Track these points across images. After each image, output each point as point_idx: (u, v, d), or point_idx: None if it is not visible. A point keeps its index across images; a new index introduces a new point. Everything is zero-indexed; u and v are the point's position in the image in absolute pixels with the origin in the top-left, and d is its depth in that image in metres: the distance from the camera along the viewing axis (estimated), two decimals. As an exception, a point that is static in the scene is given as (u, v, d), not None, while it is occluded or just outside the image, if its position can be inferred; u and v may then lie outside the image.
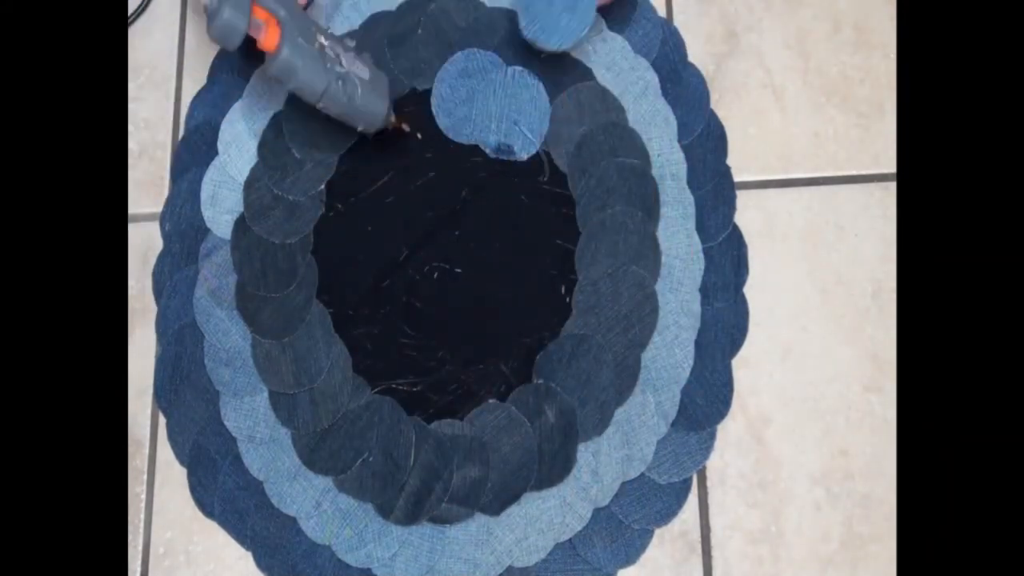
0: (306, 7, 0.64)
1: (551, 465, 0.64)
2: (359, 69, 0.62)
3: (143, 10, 0.77)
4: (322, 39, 0.61)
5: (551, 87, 0.71)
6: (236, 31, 0.57)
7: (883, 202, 0.70)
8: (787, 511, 0.64)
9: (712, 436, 0.65)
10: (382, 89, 0.64)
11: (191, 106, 0.75)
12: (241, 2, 0.58)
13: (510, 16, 0.73)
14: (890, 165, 0.71)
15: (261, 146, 0.72)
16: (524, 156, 0.70)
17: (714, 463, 0.65)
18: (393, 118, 0.66)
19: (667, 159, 0.70)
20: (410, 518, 0.64)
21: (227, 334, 0.68)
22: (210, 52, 0.76)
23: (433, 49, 0.73)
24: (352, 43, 0.65)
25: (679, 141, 0.71)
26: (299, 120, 0.72)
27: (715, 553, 0.64)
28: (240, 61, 0.74)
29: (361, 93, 0.62)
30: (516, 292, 0.68)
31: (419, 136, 0.69)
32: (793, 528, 0.64)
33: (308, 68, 0.60)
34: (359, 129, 0.65)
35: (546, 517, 0.64)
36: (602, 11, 0.71)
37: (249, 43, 0.60)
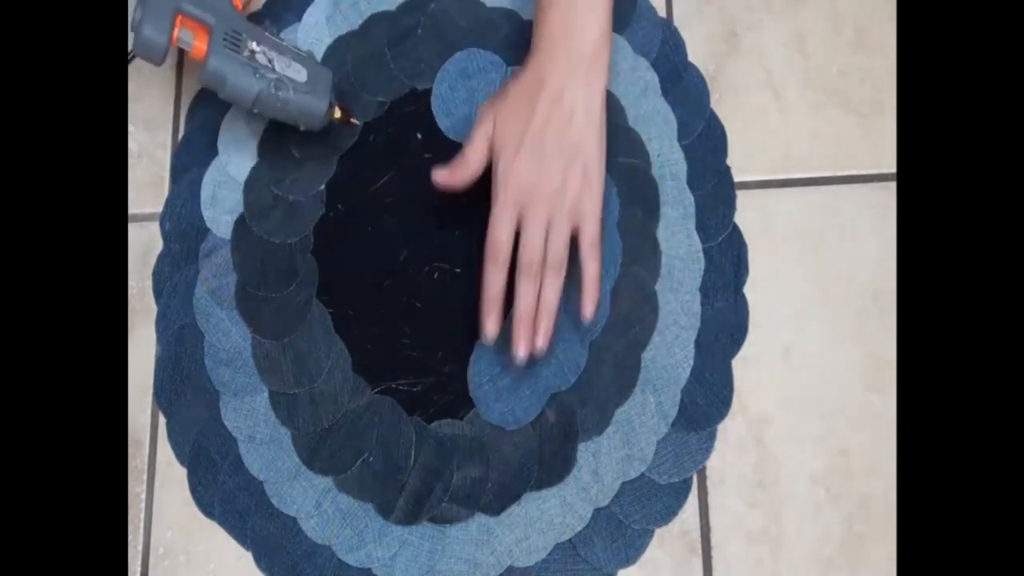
0: (243, 8, 0.64)
1: (551, 465, 0.64)
2: (294, 71, 0.63)
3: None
4: (253, 45, 0.62)
5: (551, 87, 0.71)
6: (158, 47, 0.58)
7: (883, 202, 0.70)
8: (787, 511, 0.64)
9: (712, 436, 0.65)
10: (323, 88, 0.64)
11: (191, 106, 0.75)
12: (162, 17, 0.58)
13: (510, 16, 0.73)
14: (890, 165, 0.71)
15: (261, 146, 0.72)
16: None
17: (714, 463, 0.65)
18: (338, 114, 0.66)
19: (667, 159, 0.70)
20: (410, 518, 0.64)
21: (227, 334, 0.68)
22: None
23: (433, 49, 0.73)
24: (289, 42, 0.64)
25: (679, 141, 0.71)
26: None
27: (715, 553, 0.64)
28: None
29: (295, 96, 0.62)
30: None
31: (357, 122, 0.69)
32: (793, 528, 0.64)
33: (237, 75, 0.60)
34: (301, 129, 0.65)
35: (546, 517, 0.64)
36: None
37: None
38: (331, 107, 0.65)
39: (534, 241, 0.59)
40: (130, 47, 0.59)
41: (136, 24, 0.58)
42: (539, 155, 0.59)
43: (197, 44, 0.60)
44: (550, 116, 0.59)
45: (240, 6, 0.63)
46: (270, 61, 0.62)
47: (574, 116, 0.59)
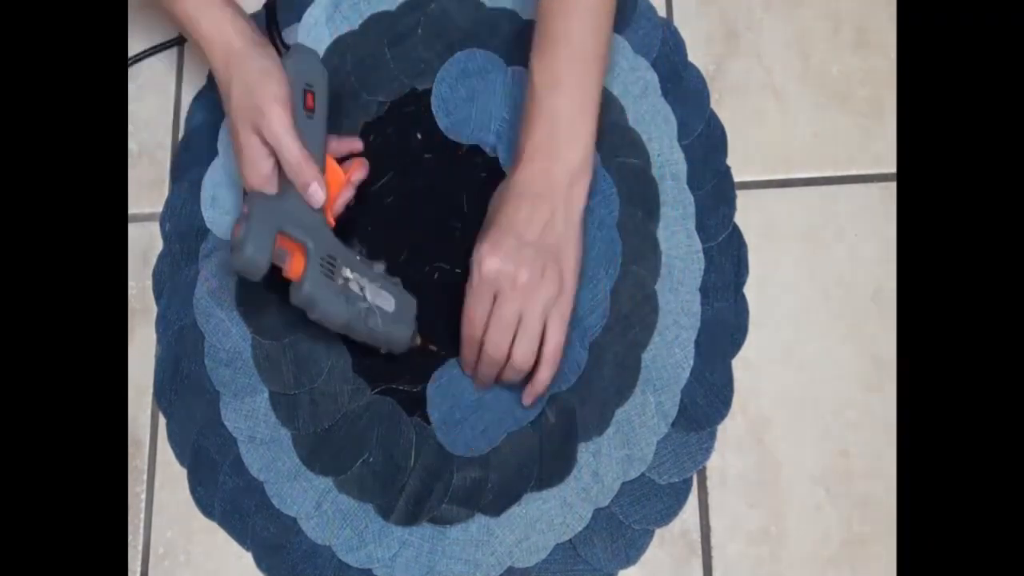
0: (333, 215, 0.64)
1: (551, 465, 0.64)
2: (383, 300, 0.63)
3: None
4: (347, 272, 0.61)
5: (551, 87, 0.71)
6: (258, 267, 0.58)
7: (883, 202, 0.70)
8: (787, 511, 0.64)
9: (712, 436, 0.65)
10: (408, 315, 0.64)
11: (191, 106, 0.75)
12: (264, 236, 0.58)
13: (510, 16, 0.73)
14: (890, 165, 0.71)
15: (261, 146, 0.72)
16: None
17: (714, 463, 0.65)
18: (418, 340, 0.66)
19: (667, 159, 0.70)
20: (410, 519, 0.64)
21: (227, 334, 0.68)
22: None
23: (433, 49, 0.73)
24: (380, 268, 0.64)
25: (679, 141, 0.71)
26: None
27: (715, 553, 0.64)
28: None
29: (382, 324, 0.62)
30: (516, 292, 0.68)
31: (434, 348, 0.67)
32: (793, 528, 0.64)
33: (329, 302, 0.60)
34: (383, 352, 0.65)
35: (546, 518, 0.64)
36: None
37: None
38: (415, 334, 0.65)
39: (502, 335, 0.60)
40: (232, 264, 0.59)
41: (239, 242, 0.58)
42: (518, 245, 0.59)
43: (294, 265, 0.60)
44: (533, 215, 0.60)
45: (332, 222, 0.63)
46: (362, 289, 0.62)
47: (554, 221, 0.60)
